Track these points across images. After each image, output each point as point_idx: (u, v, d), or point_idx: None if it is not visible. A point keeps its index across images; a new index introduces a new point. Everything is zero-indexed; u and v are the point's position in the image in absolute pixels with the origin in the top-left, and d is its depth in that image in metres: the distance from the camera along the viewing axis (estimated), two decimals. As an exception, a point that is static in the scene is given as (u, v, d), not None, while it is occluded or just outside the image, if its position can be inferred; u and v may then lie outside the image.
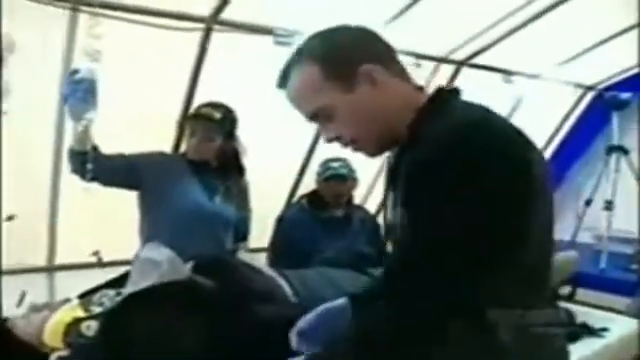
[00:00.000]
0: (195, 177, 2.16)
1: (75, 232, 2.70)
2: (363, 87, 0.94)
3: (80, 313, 1.34)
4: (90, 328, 1.29)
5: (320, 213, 2.63)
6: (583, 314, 2.48)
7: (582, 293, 3.28)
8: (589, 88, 4.32)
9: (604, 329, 2.41)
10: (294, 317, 1.39)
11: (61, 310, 1.36)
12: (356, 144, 0.99)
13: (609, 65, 4.04)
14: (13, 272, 2.53)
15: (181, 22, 2.36)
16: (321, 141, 2.14)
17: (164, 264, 1.46)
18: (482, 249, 0.77)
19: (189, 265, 1.54)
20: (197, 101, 2.48)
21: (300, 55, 0.97)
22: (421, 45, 3.14)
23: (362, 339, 0.84)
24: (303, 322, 1.29)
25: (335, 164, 2.61)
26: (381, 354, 0.80)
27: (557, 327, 0.86)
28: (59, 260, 2.75)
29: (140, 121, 2.46)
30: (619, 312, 2.73)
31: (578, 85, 4.23)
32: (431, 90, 0.99)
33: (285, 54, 1.01)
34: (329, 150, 2.00)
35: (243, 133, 2.24)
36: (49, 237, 2.69)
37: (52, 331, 1.30)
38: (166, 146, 2.64)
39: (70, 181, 2.06)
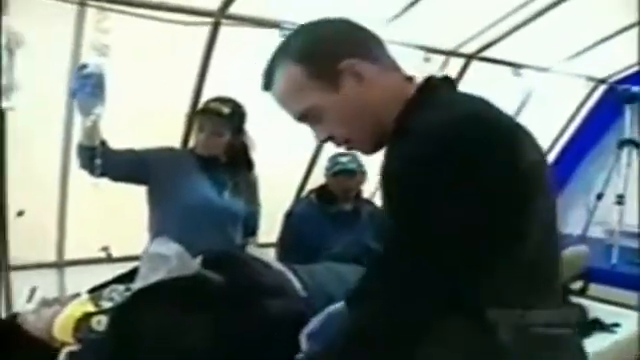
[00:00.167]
0: (204, 172, 2.16)
1: (84, 228, 2.71)
2: (348, 84, 0.89)
3: (90, 308, 1.34)
4: (100, 323, 1.28)
5: (329, 208, 2.63)
6: (594, 309, 2.46)
7: (593, 288, 3.25)
8: (601, 81, 4.27)
9: (616, 324, 2.40)
10: (304, 312, 1.39)
11: (71, 305, 1.36)
12: (349, 143, 0.95)
13: (621, 58, 3.99)
14: (23, 268, 2.55)
15: (189, 16, 2.35)
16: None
17: (173, 259, 1.45)
18: (477, 247, 0.74)
19: (198, 260, 1.53)
20: (205, 96, 2.47)
21: (280, 55, 0.93)
22: (430, 39, 3.12)
23: (357, 337, 0.81)
24: (313, 323, 1.28)
25: (344, 159, 2.60)
26: (377, 353, 0.77)
27: (560, 327, 0.82)
28: (68, 256, 2.76)
29: (148, 116, 2.45)
30: (630, 307, 2.70)
31: (589, 78, 4.18)
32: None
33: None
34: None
35: (252, 128, 2.23)
36: (58, 233, 2.70)
37: (62, 326, 1.30)
38: (174, 141, 2.64)
39: (79, 176, 2.06)
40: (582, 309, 2.33)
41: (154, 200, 2.16)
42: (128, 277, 1.54)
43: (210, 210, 2.12)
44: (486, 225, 0.74)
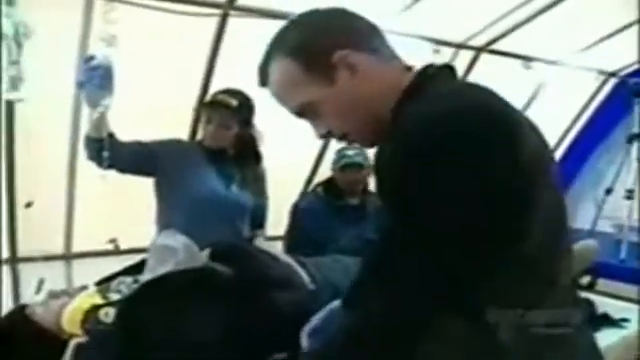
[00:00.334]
0: (212, 165, 2.15)
1: (92, 220, 2.72)
2: (342, 76, 0.86)
3: (98, 300, 1.34)
4: (108, 315, 1.28)
5: (335, 201, 2.62)
6: (603, 304, 2.45)
7: (602, 283, 3.23)
8: (611, 74, 4.24)
9: (624, 319, 2.39)
10: (312, 305, 1.38)
11: (79, 297, 1.35)
12: (348, 137, 0.93)
13: (632, 51, 3.95)
14: (30, 259, 2.56)
15: (197, 7, 2.34)
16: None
17: (181, 251, 1.45)
18: (474, 245, 0.71)
19: (206, 252, 1.53)
20: (213, 88, 2.47)
21: (273, 49, 0.90)
22: (440, 31, 3.10)
23: (354, 338, 0.78)
24: (315, 321, 1.28)
25: (350, 152, 2.58)
26: (374, 354, 0.74)
27: (562, 327, 0.78)
28: (76, 248, 2.77)
29: (155, 107, 2.45)
30: (639, 302, 2.68)
31: (600, 71, 4.14)
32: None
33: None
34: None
35: (260, 120, 2.22)
36: (66, 225, 2.71)
37: (70, 318, 1.29)
38: (182, 133, 2.64)
39: (87, 168, 2.06)
40: (590, 304, 2.33)
41: (161, 192, 2.15)
42: (136, 269, 1.53)
43: (218, 203, 2.11)
44: (478, 224, 0.70)
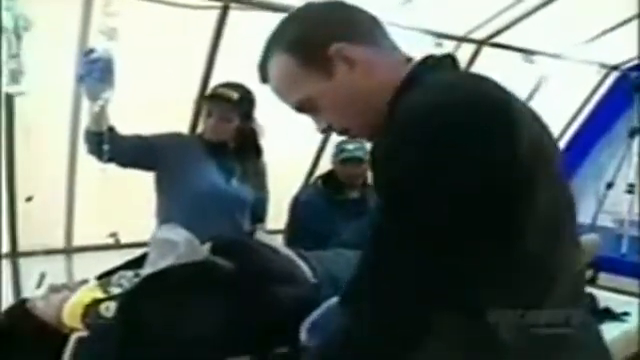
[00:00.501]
0: (212, 158, 2.14)
1: (92, 214, 2.71)
2: (340, 70, 0.85)
3: (99, 294, 1.33)
4: (109, 309, 1.27)
5: (335, 195, 2.60)
6: (604, 298, 2.45)
7: (603, 277, 3.24)
8: (613, 68, 4.22)
9: (625, 313, 2.39)
10: (314, 299, 1.38)
11: (80, 291, 1.35)
12: (349, 132, 0.91)
13: (634, 45, 3.94)
14: (31, 254, 2.56)
15: (198, 0, 2.33)
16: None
17: (182, 245, 1.44)
18: (472, 240, 0.69)
19: (207, 246, 1.52)
20: (214, 81, 2.45)
21: (271, 45, 0.89)
22: (442, 24, 3.08)
23: (351, 337, 0.77)
24: (314, 316, 1.27)
25: (350, 146, 2.56)
26: (370, 353, 0.73)
27: (562, 327, 0.77)
28: (76, 242, 2.77)
29: (155, 101, 2.44)
30: (640, 296, 2.69)
31: (602, 65, 4.13)
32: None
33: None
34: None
35: (260, 114, 2.21)
36: (66, 219, 2.71)
37: (71, 312, 1.29)
38: (182, 126, 2.63)
39: (87, 162, 2.05)
40: (592, 298, 2.33)
41: (162, 186, 2.15)
42: (136, 263, 1.53)
43: (218, 196, 2.11)
44: (475, 218, 0.68)
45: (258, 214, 2.34)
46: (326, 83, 0.86)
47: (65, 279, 2.45)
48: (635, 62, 4.15)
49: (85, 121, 1.92)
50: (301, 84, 0.87)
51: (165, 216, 2.09)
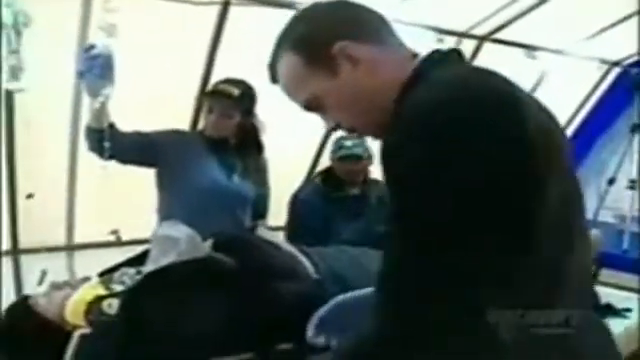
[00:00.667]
0: (213, 154, 2.14)
1: (93, 211, 2.71)
2: (344, 68, 0.85)
3: (101, 291, 1.33)
4: (112, 306, 1.28)
5: (334, 192, 2.57)
6: (606, 294, 2.45)
7: (604, 273, 3.23)
8: (614, 64, 4.21)
9: (627, 309, 2.39)
10: (316, 294, 1.38)
11: (82, 288, 1.35)
12: (356, 130, 0.92)
13: (635, 40, 3.93)
14: (32, 251, 2.56)
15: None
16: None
17: (183, 242, 1.44)
18: (479, 239, 0.68)
19: (208, 243, 1.52)
20: (215, 77, 2.45)
21: (279, 45, 0.90)
22: (443, 20, 3.07)
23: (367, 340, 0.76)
24: (321, 312, 1.27)
25: (348, 143, 2.52)
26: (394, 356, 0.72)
27: (563, 327, 0.76)
28: (77, 239, 2.76)
29: (156, 97, 2.43)
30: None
31: (603, 61, 4.11)
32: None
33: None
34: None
35: (261, 110, 2.20)
36: (67, 216, 2.70)
37: (74, 309, 1.29)
38: (183, 123, 2.62)
39: (88, 159, 2.05)
40: (594, 295, 2.32)
41: (163, 183, 2.14)
42: (138, 260, 1.53)
43: (219, 193, 2.10)
44: (481, 215, 0.68)
45: (259, 210, 2.33)
46: (331, 82, 0.86)
47: (66, 276, 2.45)
48: (636, 58, 4.13)
49: (85, 118, 1.91)
50: (307, 83, 0.88)
51: (166, 213, 2.08)
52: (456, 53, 0.88)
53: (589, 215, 3.96)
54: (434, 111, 0.71)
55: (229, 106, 2.10)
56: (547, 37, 3.55)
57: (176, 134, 2.19)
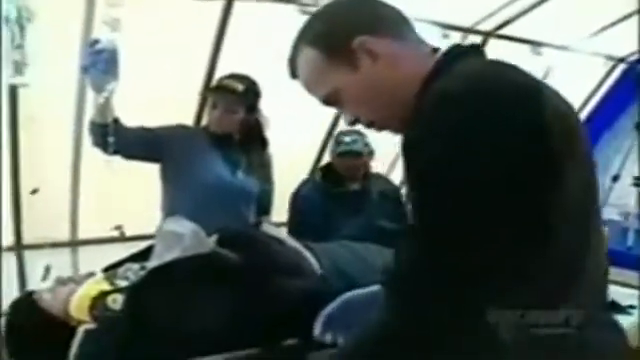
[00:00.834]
0: (217, 150, 2.13)
1: (97, 206, 2.71)
2: (364, 62, 0.86)
3: (105, 287, 1.33)
4: (116, 301, 1.28)
5: (334, 188, 2.55)
6: (610, 292, 2.43)
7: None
8: (620, 60, 4.19)
9: (631, 306, 2.38)
10: (320, 290, 1.38)
11: (87, 283, 1.35)
12: (375, 125, 0.92)
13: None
14: (36, 246, 2.56)
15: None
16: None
17: (188, 237, 1.44)
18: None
19: (213, 238, 1.52)
20: (219, 72, 2.44)
21: (299, 40, 0.92)
22: (448, 15, 3.06)
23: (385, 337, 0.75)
24: (329, 309, 1.27)
25: (348, 139, 2.50)
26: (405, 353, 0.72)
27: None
28: (82, 235, 2.76)
29: (160, 92, 2.43)
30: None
31: (609, 57, 4.09)
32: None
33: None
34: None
35: (265, 106, 2.20)
36: (71, 212, 2.70)
37: (78, 304, 1.29)
38: (188, 118, 2.62)
39: (92, 155, 2.04)
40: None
41: (167, 178, 2.14)
42: (142, 256, 1.53)
43: (223, 189, 2.10)
44: (502, 210, 0.68)
45: (263, 206, 2.33)
46: (351, 76, 0.87)
47: (70, 272, 2.45)
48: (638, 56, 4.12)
49: (90, 113, 1.91)
50: (327, 78, 0.89)
51: (170, 208, 2.08)
52: (476, 48, 0.89)
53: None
54: (455, 106, 0.72)
55: (233, 102, 2.09)
56: (552, 33, 3.53)
57: (181, 129, 2.18)
